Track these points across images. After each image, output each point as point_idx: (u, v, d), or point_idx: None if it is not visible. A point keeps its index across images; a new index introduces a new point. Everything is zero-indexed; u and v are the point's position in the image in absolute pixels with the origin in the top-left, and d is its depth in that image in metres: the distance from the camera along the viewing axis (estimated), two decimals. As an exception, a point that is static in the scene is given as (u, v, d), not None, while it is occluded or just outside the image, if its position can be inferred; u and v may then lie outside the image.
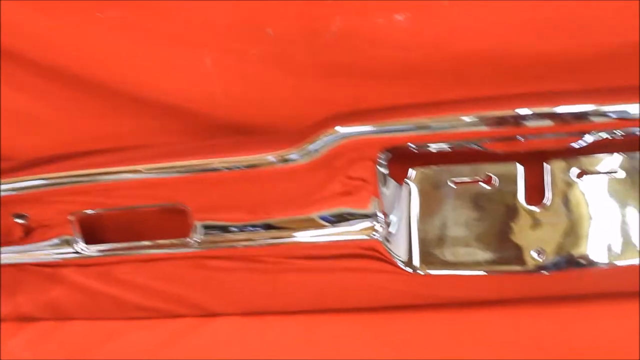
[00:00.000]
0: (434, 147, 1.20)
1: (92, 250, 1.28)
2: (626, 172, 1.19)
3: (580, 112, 1.14)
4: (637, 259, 1.20)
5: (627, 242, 1.19)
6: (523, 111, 1.15)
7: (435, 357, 1.19)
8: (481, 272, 1.21)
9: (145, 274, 1.31)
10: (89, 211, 1.27)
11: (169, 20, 1.25)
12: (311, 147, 1.17)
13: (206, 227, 1.25)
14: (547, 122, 1.13)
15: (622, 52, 1.21)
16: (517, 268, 1.21)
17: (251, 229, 1.25)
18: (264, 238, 1.24)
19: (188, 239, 1.27)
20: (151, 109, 1.32)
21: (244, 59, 1.25)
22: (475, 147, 1.17)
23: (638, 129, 1.15)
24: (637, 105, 1.13)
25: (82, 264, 1.31)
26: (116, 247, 1.29)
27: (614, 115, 1.15)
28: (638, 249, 1.20)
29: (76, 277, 1.31)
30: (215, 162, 1.23)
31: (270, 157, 1.20)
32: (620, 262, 1.22)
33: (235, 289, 1.28)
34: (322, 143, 1.17)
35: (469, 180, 1.23)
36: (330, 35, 1.21)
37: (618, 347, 1.21)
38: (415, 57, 1.22)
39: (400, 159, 1.22)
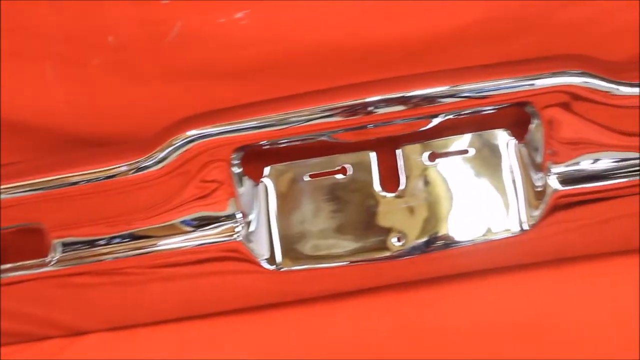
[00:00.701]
0: (286, 143, 1.17)
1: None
2: (476, 150, 1.19)
3: (427, 95, 1.15)
4: (497, 235, 1.18)
5: (484, 218, 1.19)
6: (370, 99, 1.15)
7: (305, 354, 1.17)
8: (344, 263, 1.21)
9: (8, 298, 1.24)
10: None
11: (5, 34, 1.20)
12: (162, 153, 1.16)
13: (65, 245, 1.23)
14: (395, 108, 1.15)
15: (466, 33, 1.25)
16: (379, 255, 1.21)
17: (113, 241, 1.21)
18: (126, 250, 1.22)
19: (47, 259, 1.24)
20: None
21: (86, 69, 1.23)
22: (327, 139, 1.14)
23: (485, 108, 1.13)
24: (484, 83, 1.17)
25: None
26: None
27: (460, 96, 1.15)
28: (496, 224, 1.17)
29: None
30: (68, 176, 1.21)
31: (124, 167, 1.18)
32: (481, 239, 1.24)
33: (101, 304, 1.26)
34: (172, 148, 1.16)
35: (324, 172, 1.19)
36: (173, 39, 1.18)
37: (482, 325, 1.23)
38: (261, 54, 1.22)
39: (254, 158, 1.22)
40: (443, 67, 1.18)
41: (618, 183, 1.20)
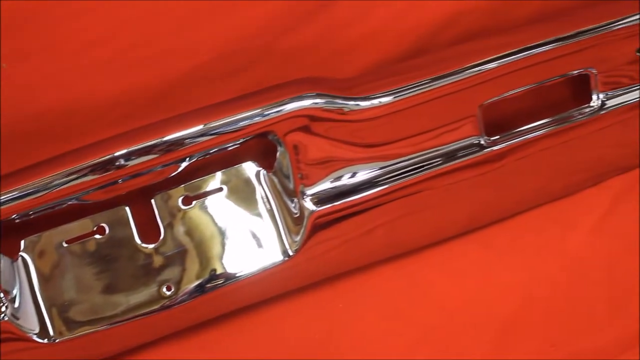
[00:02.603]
0: (37, 213, 1.12)
1: None
2: (230, 187, 1.20)
3: (169, 141, 1.14)
4: (265, 266, 1.19)
5: (250, 252, 1.21)
6: (114, 155, 1.12)
7: None
8: (120, 322, 1.19)
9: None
10: None
11: None
12: None
13: None
14: (141, 159, 1.13)
15: (200, 73, 1.28)
16: (153, 308, 1.20)
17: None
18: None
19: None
20: None
21: None
22: (77, 202, 1.12)
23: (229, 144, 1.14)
24: (224, 120, 1.19)
25: None
26: None
27: (203, 135, 1.16)
28: (262, 255, 1.18)
29: None
30: None
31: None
32: (250, 272, 1.25)
33: None
34: None
35: (81, 236, 1.16)
36: None
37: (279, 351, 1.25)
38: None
39: (9, 233, 1.17)
40: (185, 108, 1.16)
41: (371, 194, 1.22)
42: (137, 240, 1.19)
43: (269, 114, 1.15)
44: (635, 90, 1.35)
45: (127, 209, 1.19)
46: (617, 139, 1.36)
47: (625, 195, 1.37)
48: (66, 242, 1.18)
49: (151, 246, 1.20)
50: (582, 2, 1.36)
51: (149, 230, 1.22)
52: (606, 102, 1.33)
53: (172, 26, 1.19)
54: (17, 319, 1.16)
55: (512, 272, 1.30)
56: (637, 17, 1.28)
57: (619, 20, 1.27)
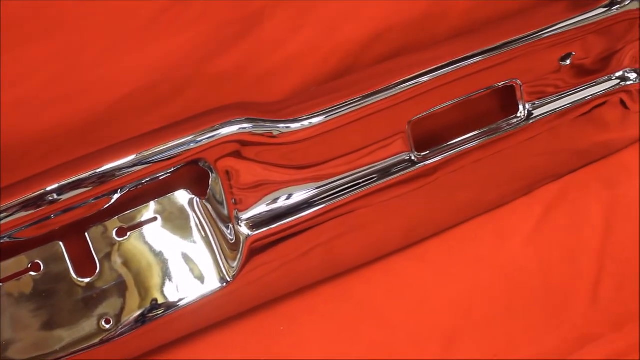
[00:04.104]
0: None
1: None
2: (164, 216, 1.19)
3: (100, 173, 1.15)
4: (204, 293, 1.18)
5: (187, 281, 1.21)
6: (45, 190, 1.13)
7: None
8: (60, 359, 1.16)
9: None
10: None
11: None
12: None
13: None
14: (72, 193, 1.13)
15: (125, 105, 1.27)
16: (93, 342, 1.19)
17: None
18: None
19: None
20: None
21: None
22: (8, 239, 1.11)
23: (161, 173, 1.13)
24: (154, 149, 1.19)
25: None
26: None
27: (132, 166, 1.18)
28: (200, 283, 1.18)
29: None
30: None
31: None
32: (189, 301, 1.25)
33: None
34: None
35: (16, 274, 1.15)
36: None
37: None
38: None
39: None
40: (112, 141, 1.15)
41: (306, 215, 1.22)
42: (73, 274, 1.19)
43: (199, 141, 1.15)
44: (560, 98, 1.36)
45: (61, 244, 1.19)
46: (545, 147, 1.38)
47: (557, 203, 1.39)
48: (1, 281, 1.16)
49: (87, 280, 1.19)
50: (504, 14, 1.36)
51: (84, 264, 1.21)
52: (533, 111, 1.35)
53: (93, 59, 1.18)
54: (-45, 361, 1.14)
55: (451, 285, 1.31)
56: (558, 26, 1.30)
57: (540, 31, 1.30)
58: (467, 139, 1.32)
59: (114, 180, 1.14)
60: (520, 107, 1.34)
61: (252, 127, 1.17)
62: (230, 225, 1.20)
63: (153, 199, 1.23)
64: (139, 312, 1.20)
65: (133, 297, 1.20)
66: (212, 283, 1.24)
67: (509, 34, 1.29)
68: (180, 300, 1.23)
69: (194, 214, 1.21)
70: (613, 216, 1.37)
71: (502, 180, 1.38)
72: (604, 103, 1.43)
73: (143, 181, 1.17)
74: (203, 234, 1.21)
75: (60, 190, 1.14)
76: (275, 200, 1.22)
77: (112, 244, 1.20)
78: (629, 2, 1.35)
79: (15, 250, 1.18)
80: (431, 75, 1.26)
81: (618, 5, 1.35)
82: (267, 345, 1.26)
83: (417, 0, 1.33)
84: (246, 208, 1.20)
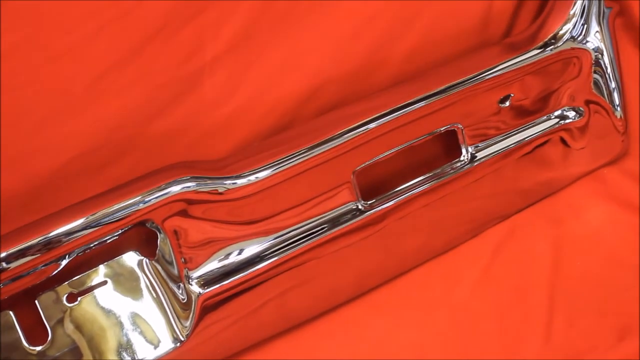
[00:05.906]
0: None
1: None
2: (114, 279, 1.19)
3: (48, 239, 1.13)
4: (158, 354, 1.18)
5: (141, 343, 1.22)
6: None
7: None
8: None
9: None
10: None
11: None
12: None
13: None
14: (20, 261, 1.14)
15: (70, 169, 1.27)
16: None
17: None
18: None
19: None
20: None
21: None
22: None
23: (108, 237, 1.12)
24: (98, 213, 1.18)
25: None
26: None
27: (80, 231, 1.18)
28: (154, 345, 1.17)
29: None
30: None
31: None
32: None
33: None
34: None
35: (-35, 345, 1.14)
36: None
37: None
38: None
39: None
40: (55, 208, 1.14)
41: (257, 269, 1.23)
42: (25, 343, 1.17)
43: (147, 201, 1.15)
44: (502, 140, 1.38)
45: (11, 313, 1.17)
46: (491, 189, 1.40)
47: (505, 243, 1.40)
48: (-55, 355, 1.15)
49: (39, 348, 1.18)
50: (443, 60, 1.38)
51: (36, 332, 1.21)
52: (476, 154, 1.37)
53: (34, 126, 1.18)
54: None
55: (404, 332, 1.31)
56: (495, 69, 1.32)
57: (478, 75, 1.32)
58: (412, 185, 1.33)
59: (63, 246, 1.14)
60: (464, 151, 1.35)
61: (197, 186, 1.17)
62: (181, 285, 1.20)
63: (102, 263, 1.21)
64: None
65: (85, 363, 1.18)
66: (166, 344, 1.24)
67: (448, 79, 1.31)
68: (132, 364, 1.19)
69: (144, 275, 1.21)
70: (560, 253, 1.38)
71: (449, 224, 1.39)
72: (545, 142, 1.44)
73: (91, 245, 1.16)
74: (154, 294, 1.21)
75: (7, 259, 1.11)
76: (225, 257, 1.23)
77: (63, 310, 1.19)
78: (561, 43, 1.37)
79: (-36, 322, 1.15)
80: (373, 124, 1.27)
81: (552, 47, 1.36)
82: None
83: (356, 51, 1.33)
84: (196, 266, 1.20)
